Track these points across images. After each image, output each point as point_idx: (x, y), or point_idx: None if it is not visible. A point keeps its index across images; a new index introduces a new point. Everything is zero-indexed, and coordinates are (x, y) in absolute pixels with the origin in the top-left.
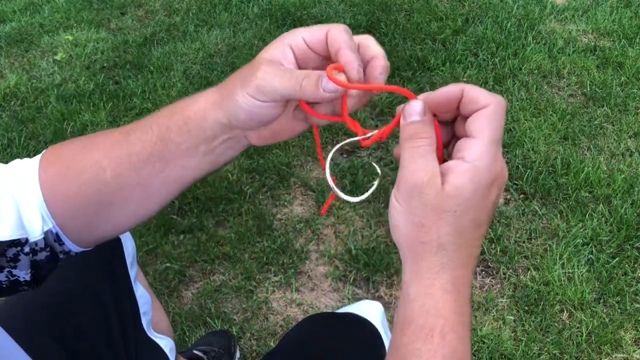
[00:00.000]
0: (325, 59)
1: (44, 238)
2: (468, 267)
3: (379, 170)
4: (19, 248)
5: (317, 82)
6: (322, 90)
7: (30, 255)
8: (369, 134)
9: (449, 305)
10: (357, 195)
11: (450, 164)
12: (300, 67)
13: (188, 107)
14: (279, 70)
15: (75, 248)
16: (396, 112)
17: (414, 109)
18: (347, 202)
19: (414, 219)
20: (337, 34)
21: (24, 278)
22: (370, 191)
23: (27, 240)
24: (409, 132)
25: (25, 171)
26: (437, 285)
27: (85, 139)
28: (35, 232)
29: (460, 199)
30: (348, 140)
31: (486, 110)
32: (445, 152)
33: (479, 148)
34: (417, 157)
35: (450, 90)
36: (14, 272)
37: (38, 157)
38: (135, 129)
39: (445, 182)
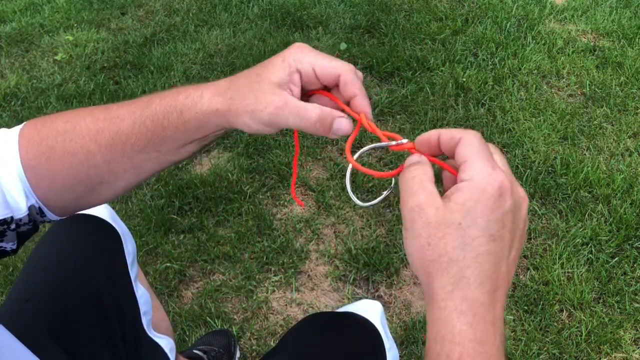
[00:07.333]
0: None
1: (28, 214)
2: (485, 286)
3: (393, 182)
4: (5, 226)
5: (330, 127)
6: (332, 134)
7: (16, 229)
8: (399, 141)
9: (465, 331)
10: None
11: (451, 189)
12: (303, 88)
13: (187, 109)
14: (293, 107)
15: (55, 218)
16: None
17: (410, 160)
18: (358, 206)
19: (420, 240)
20: (351, 81)
21: (10, 248)
22: (380, 198)
23: (12, 218)
24: (406, 169)
25: (4, 148)
26: (451, 306)
27: (66, 119)
28: (20, 211)
29: (464, 211)
30: (374, 145)
31: (465, 140)
32: None
33: (473, 165)
34: (411, 183)
35: (429, 136)
36: (1, 244)
37: (16, 131)
38: (125, 118)
39: (448, 200)
